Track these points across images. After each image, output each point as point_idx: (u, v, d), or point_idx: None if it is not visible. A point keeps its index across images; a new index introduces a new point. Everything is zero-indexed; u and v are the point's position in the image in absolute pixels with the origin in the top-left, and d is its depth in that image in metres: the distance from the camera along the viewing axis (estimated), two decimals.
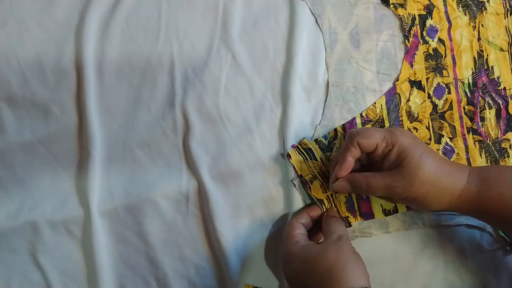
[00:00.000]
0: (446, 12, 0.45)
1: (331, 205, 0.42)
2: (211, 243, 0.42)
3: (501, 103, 0.45)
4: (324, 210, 0.42)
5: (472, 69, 0.45)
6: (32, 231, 0.41)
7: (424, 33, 0.45)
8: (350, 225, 0.42)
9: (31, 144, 0.42)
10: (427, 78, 0.45)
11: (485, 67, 0.45)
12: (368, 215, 0.43)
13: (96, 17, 0.43)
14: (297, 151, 0.43)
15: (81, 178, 0.42)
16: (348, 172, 0.39)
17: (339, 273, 0.34)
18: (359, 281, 0.34)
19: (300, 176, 0.42)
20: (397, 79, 0.44)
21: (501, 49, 0.46)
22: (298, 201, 0.43)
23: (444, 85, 0.45)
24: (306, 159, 0.42)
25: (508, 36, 0.46)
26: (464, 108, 0.45)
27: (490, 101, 0.45)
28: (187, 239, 0.42)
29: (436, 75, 0.45)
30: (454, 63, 0.45)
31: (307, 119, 0.44)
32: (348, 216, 0.42)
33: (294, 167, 0.42)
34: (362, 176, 0.38)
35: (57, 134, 0.42)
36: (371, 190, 0.38)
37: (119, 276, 0.41)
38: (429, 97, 0.45)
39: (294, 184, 0.42)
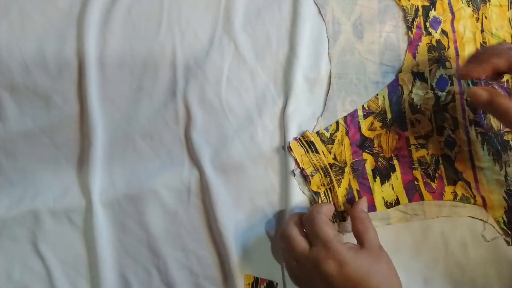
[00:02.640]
0: (449, 3, 0.45)
1: (328, 200, 0.42)
2: (213, 233, 0.42)
3: None
4: (320, 202, 0.42)
5: None
6: (33, 220, 0.41)
7: (427, 25, 0.45)
8: (344, 220, 0.42)
9: (33, 133, 0.42)
10: (430, 70, 0.45)
11: None
12: (369, 207, 0.43)
13: (97, 7, 0.43)
14: (299, 143, 0.43)
15: (82, 168, 0.42)
16: (481, 75, 0.37)
17: (395, 284, 0.35)
18: None
19: (302, 169, 0.42)
20: (400, 71, 0.44)
21: (504, 41, 0.46)
22: (298, 192, 0.43)
23: (447, 77, 0.45)
24: (308, 151, 0.42)
25: None
26: (466, 100, 0.45)
27: None
28: (188, 229, 0.42)
29: (439, 66, 0.45)
30: (457, 54, 0.45)
31: (309, 111, 0.44)
32: (344, 211, 0.42)
33: (296, 160, 0.42)
34: (506, 97, 0.36)
35: (59, 124, 0.42)
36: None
37: (120, 266, 0.41)
38: (432, 88, 0.44)
39: (294, 174, 0.42)
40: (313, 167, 0.42)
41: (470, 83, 0.45)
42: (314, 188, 0.42)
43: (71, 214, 0.41)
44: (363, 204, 0.40)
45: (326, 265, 0.34)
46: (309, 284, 0.36)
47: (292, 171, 0.42)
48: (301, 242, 0.37)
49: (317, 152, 0.42)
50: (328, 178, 0.42)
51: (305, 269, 0.36)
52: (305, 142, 0.43)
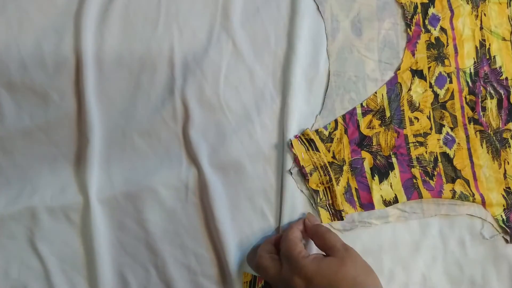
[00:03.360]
0: (448, 0, 0.45)
1: (326, 198, 0.42)
2: (211, 232, 0.42)
3: (502, 93, 0.45)
4: (318, 201, 0.42)
5: (474, 58, 0.45)
6: (30, 218, 0.41)
7: (426, 22, 0.45)
8: (342, 219, 0.42)
9: (30, 131, 0.41)
10: (429, 67, 0.44)
11: (487, 57, 0.45)
12: (368, 205, 0.43)
13: (95, 4, 0.42)
14: (300, 141, 0.42)
15: (80, 165, 0.42)
16: None
17: (364, 281, 0.34)
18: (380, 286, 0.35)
19: (302, 167, 0.42)
20: (398, 68, 0.44)
21: (504, 39, 0.45)
22: (296, 191, 0.42)
23: (446, 75, 0.45)
24: (308, 149, 0.42)
25: (511, 25, 0.46)
26: (465, 97, 0.45)
27: (492, 91, 0.45)
28: (186, 227, 0.42)
29: (437, 64, 0.45)
30: (456, 52, 0.45)
31: (307, 109, 0.44)
32: (342, 210, 0.42)
33: (296, 157, 0.42)
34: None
35: (57, 121, 0.42)
36: None
37: (118, 264, 0.41)
38: (431, 86, 0.44)
39: (291, 173, 0.42)
40: (313, 165, 0.42)
41: (469, 81, 0.45)
42: (313, 186, 0.42)
43: (69, 212, 0.41)
44: (311, 219, 0.41)
45: (294, 283, 0.35)
46: None
47: (289, 170, 0.42)
48: (271, 268, 0.37)
49: (317, 150, 0.42)
50: (328, 177, 0.42)
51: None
52: (305, 140, 0.42)
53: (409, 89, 0.44)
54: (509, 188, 0.44)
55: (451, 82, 0.45)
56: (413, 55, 0.44)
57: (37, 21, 0.42)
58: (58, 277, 0.41)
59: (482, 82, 0.45)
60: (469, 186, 0.44)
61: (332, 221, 0.42)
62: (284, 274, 0.36)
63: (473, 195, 0.44)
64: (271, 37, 0.44)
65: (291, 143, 0.42)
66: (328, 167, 0.42)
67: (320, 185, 0.42)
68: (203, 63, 0.43)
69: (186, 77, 0.43)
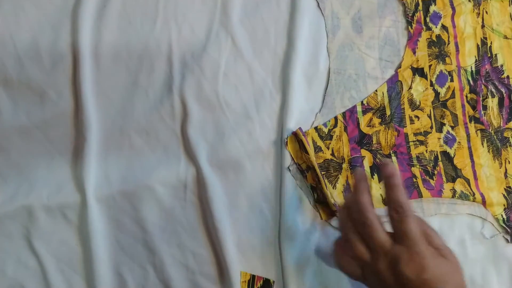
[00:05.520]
0: None
1: (321, 196, 0.42)
2: (209, 231, 0.42)
3: (504, 91, 0.45)
4: (316, 197, 0.41)
5: (475, 56, 0.45)
6: (27, 216, 0.40)
7: (428, 19, 0.44)
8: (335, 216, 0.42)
9: (26, 128, 0.41)
10: (430, 66, 0.44)
11: (489, 55, 0.45)
12: None
13: (92, 0, 0.42)
14: (296, 138, 0.42)
15: (77, 163, 0.41)
16: None
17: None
18: None
19: (298, 164, 0.42)
20: (399, 66, 0.44)
21: (505, 37, 0.45)
22: (294, 189, 0.42)
23: (447, 73, 0.44)
24: (300, 148, 0.42)
25: None
26: (466, 96, 0.44)
27: (493, 90, 0.45)
28: (185, 226, 0.42)
29: (439, 62, 0.44)
30: (457, 50, 0.44)
31: (307, 107, 0.44)
32: (335, 210, 0.42)
33: (291, 155, 0.42)
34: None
35: (53, 119, 0.41)
36: None
37: (116, 263, 0.41)
38: (432, 84, 0.44)
39: (289, 170, 0.42)
40: (306, 163, 0.42)
41: (470, 79, 0.44)
42: (312, 183, 0.42)
43: (66, 210, 0.41)
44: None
45: (406, 267, 0.33)
46: (376, 279, 0.34)
47: (288, 168, 0.42)
48: (383, 234, 0.34)
49: (306, 152, 0.42)
50: (316, 178, 0.42)
51: (377, 265, 0.34)
52: (298, 139, 0.42)
53: (410, 87, 0.44)
54: (509, 187, 0.44)
55: (452, 80, 0.44)
56: (414, 53, 0.44)
57: (34, 17, 0.41)
58: (55, 276, 0.40)
59: (483, 81, 0.45)
60: (469, 185, 0.44)
61: (331, 217, 0.42)
62: (397, 252, 0.33)
63: (474, 194, 0.43)
64: (271, 34, 0.43)
65: (286, 142, 0.42)
66: (316, 169, 0.41)
67: (317, 183, 0.42)
68: (202, 61, 0.42)
69: (184, 75, 0.42)
